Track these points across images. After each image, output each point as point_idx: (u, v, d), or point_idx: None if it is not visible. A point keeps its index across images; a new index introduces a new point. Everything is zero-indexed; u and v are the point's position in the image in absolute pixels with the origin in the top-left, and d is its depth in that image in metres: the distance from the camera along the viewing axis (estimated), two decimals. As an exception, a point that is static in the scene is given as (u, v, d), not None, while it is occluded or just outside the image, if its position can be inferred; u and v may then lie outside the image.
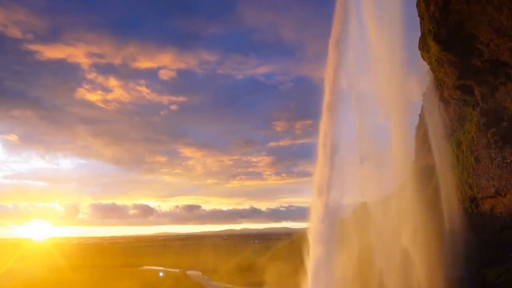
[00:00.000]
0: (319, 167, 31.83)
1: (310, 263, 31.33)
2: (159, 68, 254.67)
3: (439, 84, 28.66)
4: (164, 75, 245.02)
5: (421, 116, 33.10)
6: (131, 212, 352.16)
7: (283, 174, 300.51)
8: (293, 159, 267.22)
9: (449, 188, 27.43)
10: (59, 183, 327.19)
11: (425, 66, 28.32)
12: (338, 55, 31.24)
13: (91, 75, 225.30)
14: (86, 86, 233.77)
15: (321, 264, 30.25)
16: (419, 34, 26.78)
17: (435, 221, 27.03)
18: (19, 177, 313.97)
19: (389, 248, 29.10)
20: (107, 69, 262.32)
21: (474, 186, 25.98)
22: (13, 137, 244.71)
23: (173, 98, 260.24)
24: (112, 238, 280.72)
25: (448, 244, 25.82)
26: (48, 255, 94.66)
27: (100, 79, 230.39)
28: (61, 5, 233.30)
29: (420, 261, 26.47)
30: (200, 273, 76.35)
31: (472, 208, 26.47)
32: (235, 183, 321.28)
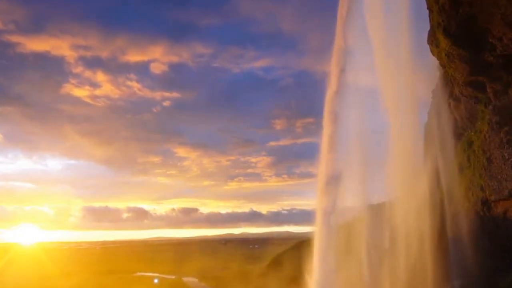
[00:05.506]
0: (322, 168, 31.89)
1: (314, 270, 31.40)
2: (150, 61, 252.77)
3: (449, 80, 28.65)
4: (156, 68, 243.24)
5: (430, 114, 33.10)
6: (125, 215, 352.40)
7: (284, 175, 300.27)
8: (294, 159, 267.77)
9: (459, 190, 27.45)
10: (48, 185, 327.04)
11: (434, 62, 28.31)
12: (344, 49, 31.29)
13: (78, 69, 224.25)
14: (73, 81, 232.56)
15: (326, 271, 30.32)
16: (428, 27, 26.77)
17: (444, 225, 27.08)
18: (5, 179, 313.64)
19: (396, 252, 29.17)
20: (94, 63, 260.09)
21: (486, 188, 25.92)
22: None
23: (166, 94, 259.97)
24: (104, 242, 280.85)
25: (457, 249, 25.86)
26: (37, 261, 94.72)
27: (88, 73, 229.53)
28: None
29: (427, 266, 26.54)
30: (197, 280, 76.47)
31: (484, 211, 26.43)
32: (233, 185, 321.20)
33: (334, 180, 30.85)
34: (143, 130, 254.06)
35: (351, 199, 33.54)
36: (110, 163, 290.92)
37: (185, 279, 76.95)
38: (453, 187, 27.81)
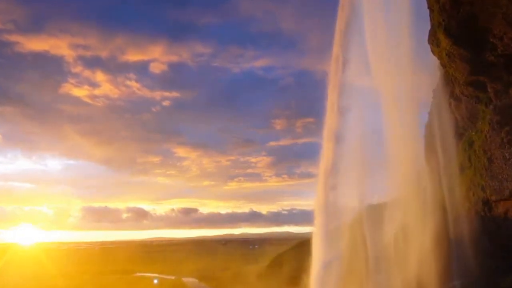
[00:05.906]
0: (323, 168, 31.89)
1: (314, 270, 31.43)
2: (150, 61, 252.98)
3: (450, 80, 28.64)
4: (155, 68, 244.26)
5: (431, 114, 33.08)
6: (124, 215, 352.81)
7: (284, 175, 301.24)
8: (294, 159, 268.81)
9: (459, 190, 27.45)
10: (48, 185, 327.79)
11: (435, 61, 28.31)
12: (344, 48, 31.29)
13: (77, 69, 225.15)
14: (72, 81, 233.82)
15: (326, 272, 30.35)
16: (429, 27, 26.76)
17: (445, 225, 27.08)
18: (4, 179, 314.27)
19: (397, 252, 29.20)
20: (93, 62, 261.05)
21: (487, 188, 25.91)
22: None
23: (166, 94, 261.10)
24: (103, 243, 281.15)
25: (458, 249, 25.87)
26: (36, 261, 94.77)
27: (87, 73, 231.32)
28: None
29: (428, 266, 26.55)
30: (197, 280, 76.49)
31: (484, 211, 26.42)
32: (233, 185, 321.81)
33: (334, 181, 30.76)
34: (143, 130, 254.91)
35: (351, 199, 33.56)
36: (110, 163, 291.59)
37: (185, 279, 77.00)
38: (454, 187, 27.79)
